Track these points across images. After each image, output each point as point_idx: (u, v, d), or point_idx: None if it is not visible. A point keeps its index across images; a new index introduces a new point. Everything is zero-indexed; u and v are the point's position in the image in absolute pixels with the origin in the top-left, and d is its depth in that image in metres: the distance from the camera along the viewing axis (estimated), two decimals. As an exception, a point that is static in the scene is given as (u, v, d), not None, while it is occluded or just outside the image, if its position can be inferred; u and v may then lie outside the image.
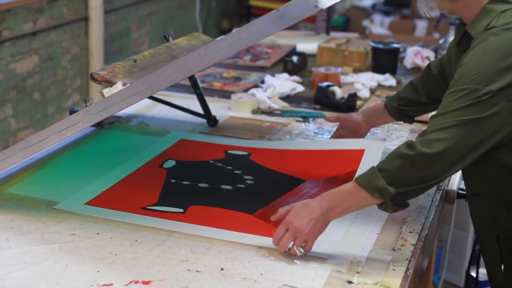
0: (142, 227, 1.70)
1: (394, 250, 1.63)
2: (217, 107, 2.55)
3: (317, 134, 2.36)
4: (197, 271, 1.52)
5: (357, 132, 2.15)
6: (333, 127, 2.41)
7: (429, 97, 1.99)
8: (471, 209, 1.72)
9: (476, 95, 1.50)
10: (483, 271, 3.23)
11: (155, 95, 2.38)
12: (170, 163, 2.07)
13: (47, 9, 3.93)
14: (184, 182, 1.94)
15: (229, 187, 1.93)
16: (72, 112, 2.25)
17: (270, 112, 2.56)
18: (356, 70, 3.10)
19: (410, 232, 1.72)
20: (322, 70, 2.88)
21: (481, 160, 1.58)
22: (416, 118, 2.32)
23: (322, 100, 2.64)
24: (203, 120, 2.42)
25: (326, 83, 2.68)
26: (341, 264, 1.56)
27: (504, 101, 1.51)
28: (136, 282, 1.47)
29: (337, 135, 2.19)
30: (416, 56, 3.20)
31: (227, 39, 1.58)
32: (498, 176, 1.62)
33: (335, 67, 2.94)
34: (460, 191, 2.13)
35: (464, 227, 3.18)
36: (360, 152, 2.06)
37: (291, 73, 3.02)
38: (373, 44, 3.13)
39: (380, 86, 2.92)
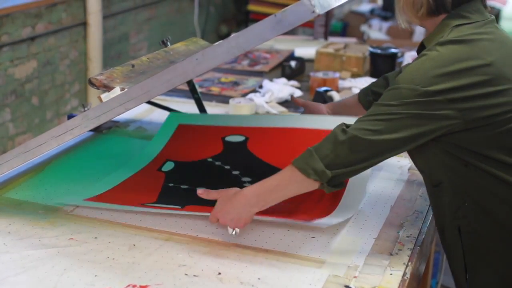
0: (140, 231, 1.70)
1: (391, 254, 1.63)
2: (215, 112, 2.55)
3: (315, 139, 2.36)
4: (194, 275, 1.52)
5: None
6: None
7: None
8: (433, 201, 1.73)
9: (413, 94, 1.55)
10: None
11: (153, 100, 2.38)
12: (169, 166, 2.07)
13: (45, 14, 3.93)
14: (182, 186, 1.95)
15: None
16: (70, 117, 2.25)
17: (268, 117, 2.56)
18: (354, 75, 3.10)
19: (407, 237, 1.72)
20: (320, 75, 2.89)
21: (436, 151, 1.62)
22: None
23: (320, 105, 2.64)
24: (201, 125, 2.43)
25: (324, 88, 2.68)
26: (339, 269, 1.56)
27: (437, 104, 1.54)
28: (134, 286, 1.47)
29: None
30: (414, 61, 3.20)
31: (225, 44, 1.59)
32: (456, 167, 1.63)
33: (333, 72, 2.94)
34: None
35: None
36: None
37: (289, 78, 3.03)
38: (371, 49, 3.13)
39: (378, 91, 2.92)
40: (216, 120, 2.28)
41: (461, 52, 1.57)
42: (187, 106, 2.53)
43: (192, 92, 2.39)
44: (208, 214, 1.68)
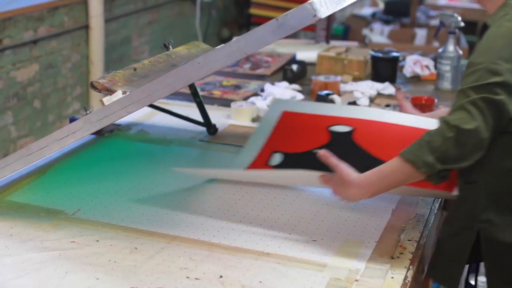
0: (142, 235, 1.71)
1: (392, 258, 1.63)
2: (217, 115, 2.56)
3: (317, 142, 2.36)
4: (196, 278, 1.52)
5: None
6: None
7: None
8: (460, 199, 1.75)
9: (489, 72, 1.62)
10: (482, 279, 3.23)
11: (155, 103, 2.38)
12: (276, 159, 2.07)
13: (47, 18, 3.94)
14: None
15: None
16: (72, 120, 2.26)
17: (269, 120, 2.56)
18: (356, 79, 3.10)
19: (409, 240, 1.72)
20: (321, 78, 2.89)
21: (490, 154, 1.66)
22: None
23: (322, 109, 2.64)
24: (203, 128, 2.43)
25: (325, 92, 2.68)
26: (340, 272, 1.56)
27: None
28: (135, 289, 1.48)
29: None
30: (416, 64, 3.21)
31: (227, 48, 1.59)
32: (497, 165, 1.65)
33: (334, 76, 2.94)
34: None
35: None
36: None
37: (290, 81, 3.03)
38: (372, 53, 3.13)
39: (379, 94, 2.93)
40: (320, 110, 2.25)
41: None
42: (189, 110, 2.54)
43: (193, 95, 2.39)
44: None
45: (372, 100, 2.83)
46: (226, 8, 6.21)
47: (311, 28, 4.28)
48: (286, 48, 3.60)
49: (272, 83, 2.95)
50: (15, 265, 1.55)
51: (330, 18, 4.04)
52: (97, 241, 1.67)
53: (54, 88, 4.07)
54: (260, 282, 1.52)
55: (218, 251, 1.64)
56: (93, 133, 2.04)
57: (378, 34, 6.27)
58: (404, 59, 3.34)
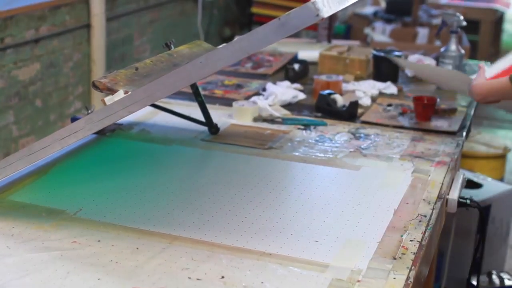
0: (144, 235, 1.70)
1: (394, 258, 1.63)
2: (219, 115, 2.56)
3: (318, 142, 2.36)
4: (197, 279, 1.52)
5: None
6: (334, 134, 2.41)
7: None
8: None
9: None
10: (483, 279, 3.23)
11: (157, 103, 2.38)
12: None
13: (49, 17, 3.94)
14: None
15: None
16: (73, 119, 2.26)
17: (271, 119, 2.56)
18: (358, 78, 3.10)
19: (411, 241, 1.72)
20: (323, 78, 2.89)
21: None
22: (417, 126, 2.32)
23: (324, 108, 2.64)
24: (205, 128, 2.43)
25: (327, 91, 2.69)
26: (342, 273, 1.56)
27: None
28: (137, 290, 1.47)
29: None
30: (418, 64, 3.20)
31: (229, 48, 1.59)
32: None
33: (336, 75, 2.94)
34: (461, 200, 2.13)
35: (465, 236, 3.18)
36: None
37: (292, 80, 3.03)
38: (374, 52, 3.13)
39: (381, 94, 2.92)
40: None
41: None
42: (191, 109, 2.54)
43: (195, 94, 2.39)
44: None
45: (374, 99, 2.83)
46: (227, 7, 6.20)
47: (313, 27, 4.28)
48: (288, 47, 3.60)
49: (274, 83, 2.95)
50: (16, 266, 1.55)
51: (332, 17, 4.04)
52: (99, 241, 1.67)
53: (55, 87, 4.07)
54: (262, 282, 1.52)
55: (220, 251, 1.64)
56: (94, 133, 2.04)
57: (380, 33, 6.27)
58: (406, 58, 3.34)
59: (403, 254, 1.65)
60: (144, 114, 2.56)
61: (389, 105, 2.75)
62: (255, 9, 5.61)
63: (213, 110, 2.50)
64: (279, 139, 2.38)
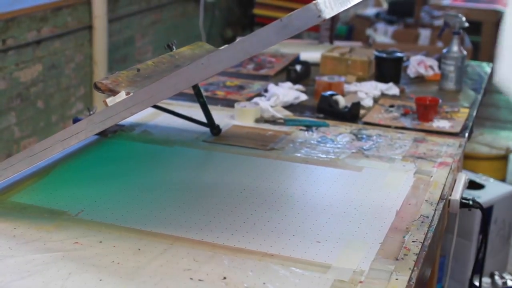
0: (145, 236, 1.70)
1: (397, 259, 1.63)
2: (221, 116, 2.56)
3: (320, 143, 2.36)
4: (199, 280, 1.52)
5: None
6: (336, 135, 2.41)
7: None
8: None
9: None
10: (486, 280, 3.23)
11: (159, 104, 2.38)
12: None
13: (51, 18, 3.94)
14: None
15: None
16: (75, 120, 2.26)
17: (273, 121, 2.56)
18: (360, 79, 3.10)
19: (413, 242, 1.72)
20: (325, 79, 2.88)
21: None
22: (419, 127, 2.31)
23: (326, 109, 2.64)
24: (207, 129, 2.43)
25: (329, 92, 2.68)
26: (344, 274, 1.55)
27: None
28: (139, 291, 1.47)
29: None
30: (420, 65, 3.20)
31: (231, 49, 1.59)
32: None
33: (338, 76, 2.94)
34: (463, 201, 2.13)
35: (467, 236, 3.18)
36: None
37: (294, 82, 3.02)
38: (376, 53, 3.13)
39: (383, 95, 2.92)
40: None
41: None
42: (192, 110, 2.53)
43: (197, 96, 2.39)
44: None
45: (376, 100, 2.83)
46: (229, 8, 6.20)
47: (314, 29, 4.28)
48: (289, 48, 3.60)
49: (276, 84, 2.94)
50: (18, 266, 1.55)
51: (334, 18, 4.04)
52: (101, 242, 1.67)
53: (57, 89, 4.07)
54: (264, 283, 1.51)
55: (222, 252, 1.64)
56: (96, 134, 2.04)
57: (382, 34, 6.27)
58: (408, 59, 3.34)
59: (405, 255, 1.65)
60: (146, 115, 2.56)
61: (391, 106, 2.74)
62: (257, 11, 5.60)
63: (215, 111, 2.50)
64: (281, 140, 2.38)
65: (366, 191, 2.00)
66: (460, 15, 3.05)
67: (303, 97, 2.82)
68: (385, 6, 7.09)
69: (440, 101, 2.63)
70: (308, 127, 2.50)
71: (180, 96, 2.72)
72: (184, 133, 2.43)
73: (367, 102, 2.78)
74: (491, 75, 3.45)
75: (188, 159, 2.25)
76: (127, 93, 1.77)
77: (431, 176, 2.11)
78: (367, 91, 2.89)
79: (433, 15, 6.76)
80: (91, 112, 2.12)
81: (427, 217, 1.85)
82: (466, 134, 2.50)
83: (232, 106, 2.62)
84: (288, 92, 2.79)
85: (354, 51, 3.32)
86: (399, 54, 3.12)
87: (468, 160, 4.22)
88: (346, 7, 1.66)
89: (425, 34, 6.09)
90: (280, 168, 2.16)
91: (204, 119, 2.42)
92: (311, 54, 3.45)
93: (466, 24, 3.02)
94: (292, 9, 1.56)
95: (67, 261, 1.57)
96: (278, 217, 1.83)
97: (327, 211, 1.87)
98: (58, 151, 1.77)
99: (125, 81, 1.85)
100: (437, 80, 3.12)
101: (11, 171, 1.80)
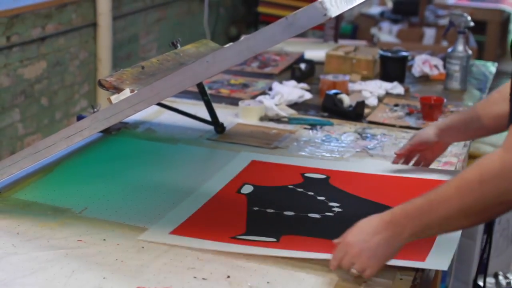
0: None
1: (401, 259, 1.62)
2: (225, 114, 2.55)
3: (325, 142, 2.35)
4: (203, 278, 1.52)
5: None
6: (340, 134, 2.41)
7: None
8: None
9: None
10: (490, 280, 3.22)
11: (163, 102, 2.38)
12: (247, 189, 1.97)
13: (55, 15, 3.94)
14: (268, 210, 1.85)
15: (317, 215, 1.82)
16: (79, 118, 2.25)
17: (277, 119, 2.55)
18: (364, 78, 3.09)
19: (417, 241, 1.71)
20: (330, 77, 2.88)
21: None
22: (424, 127, 2.30)
23: (330, 108, 2.63)
24: (211, 127, 2.42)
25: (334, 91, 2.68)
26: (348, 273, 1.55)
27: None
28: (142, 289, 1.47)
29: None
30: (424, 64, 3.19)
31: (236, 47, 1.58)
32: None
33: (343, 75, 2.93)
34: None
35: (471, 236, 3.17)
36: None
37: (299, 80, 3.02)
38: (381, 52, 3.12)
39: (388, 94, 2.91)
40: (292, 161, 2.18)
41: None
42: (197, 108, 2.53)
43: (201, 94, 2.39)
44: (308, 253, 1.60)
45: (380, 99, 2.82)
46: (234, 6, 6.20)
47: (319, 27, 4.27)
48: (294, 47, 3.59)
49: (280, 82, 2.94)
50: (22, 264, 1.55)
51: (339, 17, 4.03)
52: (104, 240, 1.66)
53: (61, 86, 4.07)
54: (268, 283, 1.51)
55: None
56: (100, 131, 2.04)
57: (387, 33, 6.26)
58: (413, 58, 3.33)
59: (409, 255, 1.64)
60: (150, 113, 2.55)
61: (396, 105, 2.74)
62: (261, 9, 5.59)
63: (219, 109, 2.49)
64: (285, 139, 2.37)
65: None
66: (465, 14, 3.04)
67: (308, 95, 2.82)
68: (390, 5, 7.08)
69: (445, 100, 2.62)
70: (313, 126, 2.50)
71: (185, 94, 2.72)
72: (188, 131, 2.42)
73: (372, 101, 2.77)
74: (496, 75, 3.44)
75: (192, 157, 2.25)
76: (132, 91, 1.76)
77: (436, 176, 2.10)
78: (372, 90, 2.88)
79: (438, 14, 6.75)
80: (95, 110, 2.11)
81: (432, 217, 1.84)
82: (471, 134, 2.49)
83: (237, 104, 2.62)
84: (292, 90, 2.78)
85: (359, 50, 3.32)
86: (404, 53, 3.11)
87: (473, 160, 4.21)
88: (351, 6, 1.65)
89: (430, 33, 6.08)
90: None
91: (208, 117, 2.42)
92: (316, 52, 3.44)
93: (471, 24, 3.01)
94: (296, 8, 1.55)
95: (71, 259, 1.57)
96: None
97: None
98: (62, 148, 1.76)
99: (130, 79, 1.85)
100: (442, 80, 3.11)
101: (15, 168, 1.80)
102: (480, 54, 6.66)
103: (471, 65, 3.19)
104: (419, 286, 1.56)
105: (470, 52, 3.03)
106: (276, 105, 2.64)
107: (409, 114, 2.64)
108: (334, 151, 2.28)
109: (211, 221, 1.79)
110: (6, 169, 1.81)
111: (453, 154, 2.27)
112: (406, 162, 2.10)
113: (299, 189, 1.98)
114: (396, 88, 2.94)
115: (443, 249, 1.62)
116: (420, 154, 2.08)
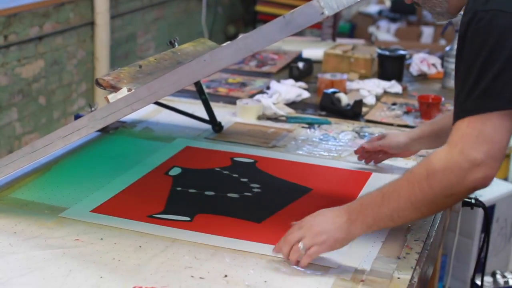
0: (146, 233, 1.69)
1: (399, 258, 1.62)
2: (223, 113, 2.55)
3: (322, 141, 2.35)
4: (200, 277, 1.51)
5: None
6: (338, 133, 2.40)
7: None
8: None
9: None
10: (488, 279, 3.22)
11: (160, 101, 2.38)
12: (175, 171, 2.06)
13: (53, 14, 3.93)
14: (190, 190, 1.93)
15: (235, 195, 1.91)
16: (77, 117, 2.25)
17: (275, 118, 2.55)
18: (362, 77, 3.09)
19: (415, 240, 1.71)
20: (328, 76, 2.88)
21: None
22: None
23: (328, 107, 2.63)
24: (208, 126, 2.42)
25: (331, 90, 2.68)
26: (346, 272, 1.55)
27: None
28: (140, 288, 1.47)
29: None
30: (422, 63, 3.19)
31: (233, 46, 1.58)
32: None
33: (341, 74, 2.93)
34: (465, 199, 2.12)
35: (469, 235, 3.17)
36: (368, 174, 2.07)
37: (296, 79, 3.02)
38: (379, 51, 3.12)
39: (386, 93, 2.91)
40: (224, 147, 2.27)
41: None
42: (194, 107, 2.53)
43: (199, 92, 2.38)
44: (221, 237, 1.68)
45: (378, 98, 2.82)
46: (232, 5, 6.20)
47: (317, 26, 4.26)
48: (292, 45, 3.59)
49: (278, 81, 2.94)
50: (19, 263, 1.54)
51: (337, 15, 4.03)
52: (101, 239, 1.66)
53: (59, 85, 4.06)
54: (265, 281, 1.51)
55: (223, 250, 1.63)
56: (98, 130, 2.03)
57: (385, 32, 6.26)
58: (410, 57, 3.33)
59: (407, 253, 1.64)
60: (147, 112, 2.55)
61: (394, 104, 2.74)
62: (259, 7, 5.60)
63: (217, 108, 2.49)
64: (283, 138, 2.37)
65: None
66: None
67: (305, 94, 2.82)
68: (387, 3, 7.08)
69: (443, 99, 2.62)
70: (310, 125, 2.50)
71: (182, 92, 2.72)
72: (186, 130, 2.42)
73: (370, 100, 2.77)
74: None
75: (189, 156, 2.25)
76: (129, 90, 1.76)
77: (434, 175, 2.10)
78: (370, 88, 2.88)
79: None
80: (93, 109, 2.10)
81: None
82: (469, 133, 2.48)
83: (234, 103, 2.62)
84: (290, 89, 2.78)
85: (357, 49, 3.31)
86: (401, 52, 3.11)
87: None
88: (349, 4, 1.65)
89: (428, 32, 6.08)
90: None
91: (206, 116, 2.42)
92: (314, 51, 3.44)
93: (469, 22, 3.00)
94: (294, 6, 1.55)
95: (68, 258, 1.57)
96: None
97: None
98: (60, 148, 1.76)
99: (127, 78, 1.84)
100: (440, 78, 3.11)
101: (12, 167, 1.80)
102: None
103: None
104: (417, 285, 1.56)
105: (468, 50, 3.02)
106: (274, 104, 2.63)
107: (407, 112, 2.64)
108: (332, 150, 2.28)
109: (133, 200, 1.86)
110: (3, 168, 1.80)
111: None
112: (369, 159, 2.14)
113: (225, 172, 2.06)
114: (394, 86, 2.94)
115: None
116: (382, 154, 2.12)
